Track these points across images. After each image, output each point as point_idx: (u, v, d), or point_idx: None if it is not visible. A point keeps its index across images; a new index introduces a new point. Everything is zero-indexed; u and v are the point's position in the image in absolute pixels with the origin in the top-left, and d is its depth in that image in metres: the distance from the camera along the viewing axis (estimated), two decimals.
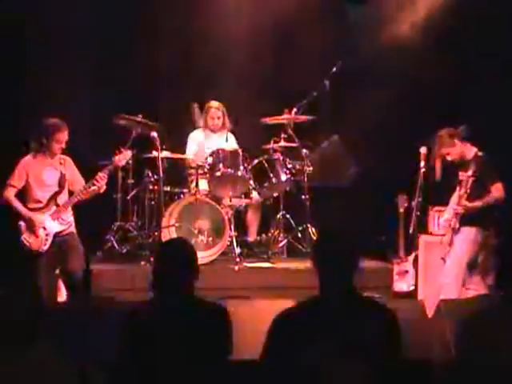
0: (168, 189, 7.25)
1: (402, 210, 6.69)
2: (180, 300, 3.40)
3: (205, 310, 3.43)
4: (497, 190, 5.79)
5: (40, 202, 6.05)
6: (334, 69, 7.36)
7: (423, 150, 6.18)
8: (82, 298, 5.91)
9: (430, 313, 5.57)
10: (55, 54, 7.51)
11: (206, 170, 7.17)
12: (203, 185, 7.28)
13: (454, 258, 5.90)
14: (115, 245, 7.29)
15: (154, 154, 6.99)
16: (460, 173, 5.94)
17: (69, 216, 6.15)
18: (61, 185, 6.09)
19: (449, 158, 5.93)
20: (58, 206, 6.05)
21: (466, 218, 5.85)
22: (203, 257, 6.86)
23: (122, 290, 6.35)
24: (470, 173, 5.75)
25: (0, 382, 2.51)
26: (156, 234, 7.04)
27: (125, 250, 7.30)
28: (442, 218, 6.07)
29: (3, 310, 2.55)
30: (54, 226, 6.03)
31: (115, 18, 7.60)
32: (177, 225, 7.12)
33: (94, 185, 6.12)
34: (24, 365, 2.50)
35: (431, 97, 7.44)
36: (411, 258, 6.60)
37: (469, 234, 5.86)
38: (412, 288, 6.56)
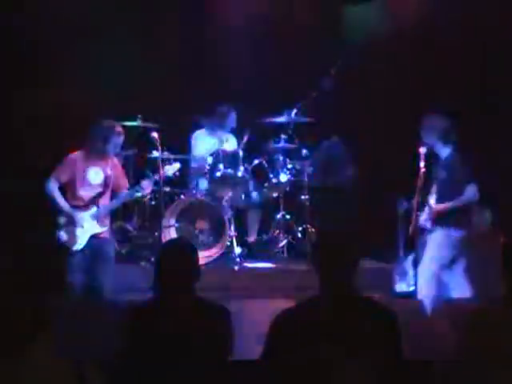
0: (168, 189, 7.26)
1: (401, 210, 6.68)
2: (181, 300, 3.40)
3: (205, 309, 3.43)
4: (470, 191, 5.81)
5: (81, 200, 5.92)
6: (334, 69, 7.36)
7: (423, 149, 6.18)
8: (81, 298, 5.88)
9: (430, 313, 5.58)
10: (55, 54, 7.51)
11: (205, 170, 7.18)
12: (203, 185, 7.29)
13: (426, 261, 5.95)
14: (115, 245, 7.29)
15: (154, 153, 7.00)
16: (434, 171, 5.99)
17: (108, 219, 6.08)
18: (105, 186, 5.98)
19: (421, 151, 5.89)
20: (99, 207, 5.96)
21: (440, 219, 5.88)
22: (203, 257, 6.86)
23: (122, 290, 6.35)
24: (443, 173, 5.80)
25: (0, 382, 2.51)
26: (156, 233, 7.05)
27: (125, 250, 7.30)
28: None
29: (4, 309, 2.55)
30: (92, 227, 5.91)
31: (115, 18, 7.61)
32: (177, 225, 7.12)
33: (137, 192, 6.09)
34: (24, 365, 2.49)
35: (431, 96, 7.43)
36: (411, 257, 6.60)
37: (440, 236, 5.90)
38: (412, 288, 6.55)
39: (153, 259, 6.72)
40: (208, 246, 7.17)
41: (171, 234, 7.03)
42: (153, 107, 7.43)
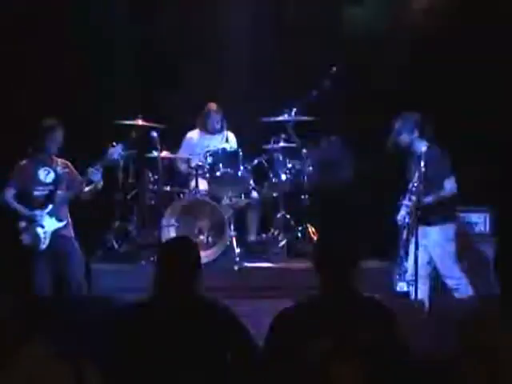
0: (168, 189, 7.26)
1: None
2: (181, 299, 3.39)
3: (206, 309, 3.42)
4: (449, 184, 5.84)
5: (37, 201, 6.13)
6: (334, 69, 7.36)
7: (424, 148, 6.18)
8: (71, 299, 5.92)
9: (429, 312, 5.59)
10: (55, 54, 7.52)
11: (205, 170, 7.18)
12: (203, 185, 7.29)
13: (438, 263, 6.04)
14: (115, 245, 7.30)
15: (154, 153, 7.00)
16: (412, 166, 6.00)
17: (66, 214, 6.20)
18: (56, 184, 6.16)
19: (402, 144, 5.89)
20: (54, 203, 6.11)
21: (428, 216, 5.89)
22: (203, 257, 6.84)
23: (122, 289, 6.35)
24: (422, 168, 5.81)
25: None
26: (156, 233, 7.05)
27: (125, 250, 7.30)
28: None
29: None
30: (51, 224, 6.08)
31: (115, 18, 7.62)
32: (177, 225, 7.12)
33: (86, 180, 6.18)
34: (21, 364, 2.50)
35: (431, 96, 7.43)
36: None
37: (437, 233, 5.95)
38: (412, 287, 6.54)
39: (152, 259, 6.72)
40: (208, 246, 7.17)
41: (171, 233, 7.03)
42: (153, 107, 7.43)
